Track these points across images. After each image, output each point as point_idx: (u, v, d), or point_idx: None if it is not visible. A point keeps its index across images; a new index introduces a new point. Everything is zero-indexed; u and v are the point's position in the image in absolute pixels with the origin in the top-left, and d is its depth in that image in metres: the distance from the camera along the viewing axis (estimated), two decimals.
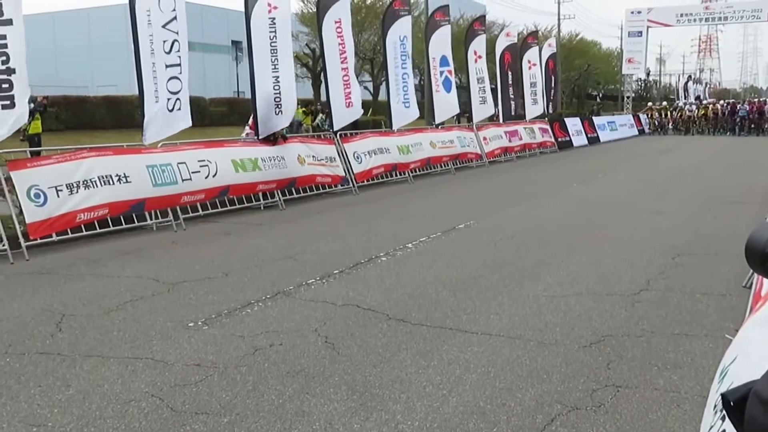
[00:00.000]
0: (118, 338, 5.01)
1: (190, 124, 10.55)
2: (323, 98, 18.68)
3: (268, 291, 6.25)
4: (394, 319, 5.43)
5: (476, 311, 5.60)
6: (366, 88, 43.02)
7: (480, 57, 20.19)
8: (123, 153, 9.42)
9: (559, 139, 25.47)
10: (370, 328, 5.21)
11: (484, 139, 19.68)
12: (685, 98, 48.33)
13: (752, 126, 36.29)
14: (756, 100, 48.52)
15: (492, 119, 22.10)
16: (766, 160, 21.03)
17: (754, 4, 41.86)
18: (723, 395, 1.00)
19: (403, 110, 16.15)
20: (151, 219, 9.58)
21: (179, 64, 10.13)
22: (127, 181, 8.93)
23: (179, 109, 10.23)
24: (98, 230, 8.85)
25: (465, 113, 23.54)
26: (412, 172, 15.71)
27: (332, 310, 5.66)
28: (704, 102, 42.77)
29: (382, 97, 36.92)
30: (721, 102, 43.51)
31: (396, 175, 15.30)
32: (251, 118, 12.11)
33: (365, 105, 22.12)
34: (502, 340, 4.90)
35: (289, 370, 4.39)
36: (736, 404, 0.99)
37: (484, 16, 25.50)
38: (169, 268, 7.28)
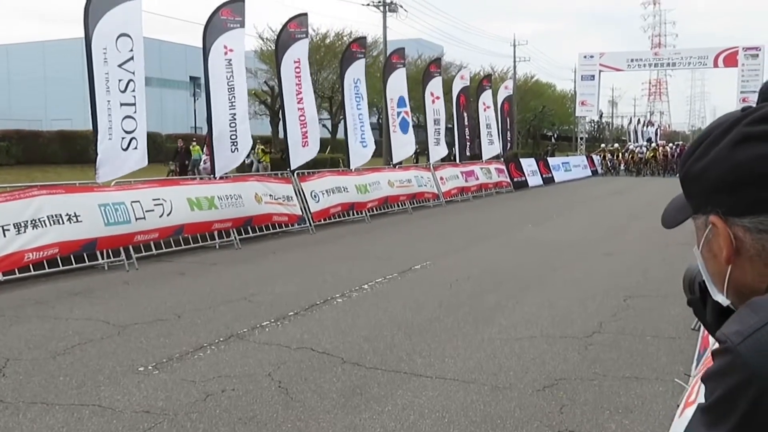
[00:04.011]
0: (64, 384, 4.87)
1: (146, 163, 10.46)
2: (281, 136, 18.74)
3: (221, 334, 6.16)
4: (349, 362, 5.39)
5: (431, 355, 5.60)
6: (324, 126, 43.24)
7: (437, 98, 20.50)
8: (75, 191, 9.26)
9: (515, 179, 25.84)
10: (325, 372, 5.16)
11: (441, 179, 19.88)
12: (636, 140, 49.61)
13: None
14: None
15: (451, 158, 22.37)
16: None
17: (701, 51, 43.50)
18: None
19: (361, 150, 16.26)
20: (102, 258, 9.40)
21: (134, 104, 10.06)
22: (77, 221, 8.76)
23: (135, 148, 10.13)
24: (47, 270, 8.64)
25: (424, 152, 23.82)
26: (369, 211, 15.75)
27: (286, 354, 5.60)
28: (653, 144, 43.95)
29: (340, 135, 37.19)
30: (671, 144, 44.82)
31: (353, 214, 15.32)
32: (205, 146, 12.09)
33: (324, 143, 22.23)
34: (457, 385, 4.90)
35: (241, 416, 4.32)
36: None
37: (440, 59, 25.94)
38: (120, 309, 7.13)
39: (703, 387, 0.90)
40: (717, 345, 0.87)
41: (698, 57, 43.35)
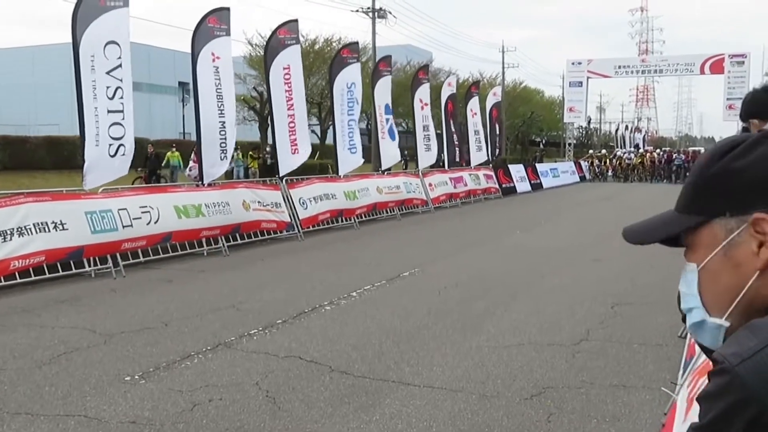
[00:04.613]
0: (49, 394, 4.84)
1: (127, 171, 10.43)
2: (270, 141, 18.74)
3: (208, 342, 6.14)
4: (337, 371, 5.38)
5: (419, 363, 5.60)
6: (313, 131, 43.22)
7: (426, 105, 20.54)
8: (61, 198, 9.21)
9: (504, 186, 25.92)
10: (312, 381, 5.15)
11: (430, 185, 19.91)
12: (623, 146, 49.88)
13: (687, 174, 37.52)
14: (690, 150, 50.48)
15: (439, 165, 22.41)
16: None
17: (688, 58, 43.80)
18: None
19: (350, 156, 16.26)
20: (89, 266, 9.35)
21: (122, 111, 10.02)
22: (64, 229, 8.70)
23: (123, 155, 10.09)
24: (33, 278, 8.59)
25: (413, 158, 23.85)
26: (358, 218, 15.74)
27: (274, 363, 5.58)
28: (640, 150, 44.20)
29: (329, 141, 37.21)
30: (658, 150, 45.09)
31: (342, 221, 15.31)
32: (193, 152, 12.05)
33: (313, 149, 22.22)
34: (445, 393, 4.90)
35: (228, 426, 4.30)
36: None
37: (428, 66, 26.02)
38: (107, 317, 7.09)
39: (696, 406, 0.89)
40: (713, 365, 0.87)
41: (685, 64, 43.65)
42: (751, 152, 0.92)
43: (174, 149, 25.78)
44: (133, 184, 16.38)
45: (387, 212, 17.36)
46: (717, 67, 41.41)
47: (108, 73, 9.77)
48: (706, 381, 0.88)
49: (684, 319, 1.39)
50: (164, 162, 24.97)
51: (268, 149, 26.68)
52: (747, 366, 0.81)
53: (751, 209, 0.91)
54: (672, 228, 1.01)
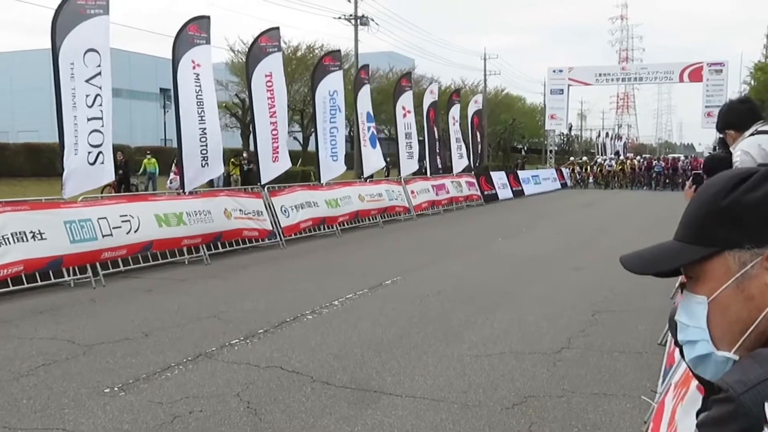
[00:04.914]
0: (27, 407, 4.78)
1: (113, 178, 10.34)
2: (251, 148, 18.66)
3: (189, 353, 6.10)
4: (319, 381, 5.36)
5: (401, 372, 5.59)
6: (296, 138, 43.18)
7: (409, 112, 20.60)
8: (40, 208, 9.12)
9: (485, 193, 26.02)
10: (294, 391, 5.13)
11: (412, 192, 19.94)
12: (604, 153, 50.27)
13: (667, 181, 37.98)
14: (670, 157, 51.01)
15: (421, 172, 22.45)
16: (679, 215, 21.87)
17: (667, 66, 44.28)
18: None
19: (331, 164, 16.26)
20: (68, 275, 9.26)
21: (101, 118, 9.96)
22: (42, 238, 8.62)
23: (102, 162, 10.02)
24: (11, 288, 8.48)
25: (395, 165, 23.88)
26: (340, 226, 15.72)
27: (255, 373, 5.56)
28: (621, 157, 44.56)
29: (311, 147, 37.22)
30: (638, 158, 45.50)
31: (324, 229, 15.29)
32: (174, 164, 11.98)
33: (295, 156, 22.16)
34: (427, 403, 4.90)
35: None
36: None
37: (411, 73, 26.09)
38: (86, 328, 7.02)
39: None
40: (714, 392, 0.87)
41: (664, 72, 44.10)
42: (764, 185, 0.93)
43: (149, 156, 25.45)
44: (102, 193, 16.22)
45: (369, 220, 17.36)
46: (696, 75, 41.90)
47: (88, 81, 9.70)
48: (700, 398, 0.87)
49: (676, 343, 1.39)
50: (141, 170, 24.72)
51: (245, 155, 26.50)
52: (751, 395, 0.81)
53: (766, 242, 0.91)
54: (682, 259, 1.00)
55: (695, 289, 0.99)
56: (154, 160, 25.11)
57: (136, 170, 24.46)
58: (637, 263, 1.05)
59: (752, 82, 51.43)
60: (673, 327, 1.44)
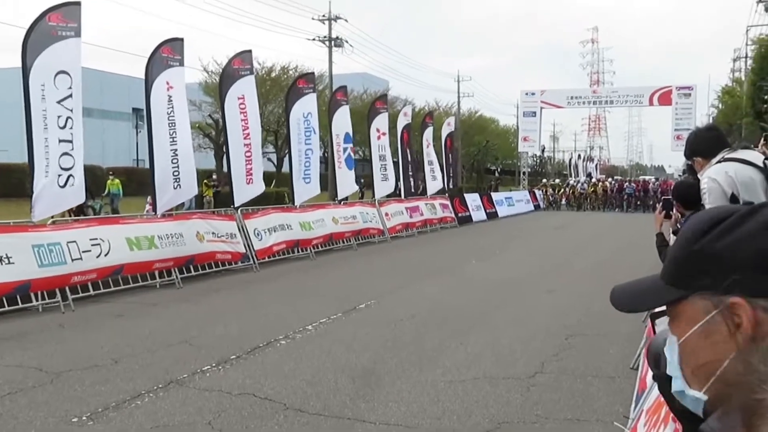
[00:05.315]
0: None
1: (83, 199, 10.22)
2: (225, 169, 18.57)
3: (160, 380, 6.00)
4: (292, 408, 5.31)
5: (375, 399, 5.56)
6: (270, 159, 43.08)
7: (383, 134, 20.67)
8: (8, 231, 8.97)
9: (459, 215, 26.11)
10: (266, 419, 5.07)
11: (386, 214, 19.95)
12: (576, 175, 50.84)
13: (638, 203, 38.48)
14: (641, 179, 51.80)
15: (395, 194, 22.50)
16: (651, 238, 22.15)
17: (637, 90, 45.09)
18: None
19: (305, 186, 16.23)
20: (37, 300, 9.09)
21: (71, 140, 9.86)
22: (10, 262, 8.47)
23: (72, 185, 9.90)
24: None
25: (369, 186, 23.91)
26: (314, 248, 15.67)
27: (227, 401, 5.48)
28: (593, 179, 45.10)
29: (285, 169, 37.18)
30: (610, 179, 46.08)
31: (298, 251, 15.22)
32: (149, 197, 11.89)
33: (268, 177, 22.05)
34: (401, 430, 4.87)
35: None
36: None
37: (386, 95, 26.24)
38: (55, 355, 6.89)
39: None
40: None
41: (635, 95, 44.87)
42: (732, 233, 0.93)
43: (112, 177, 25.06)
44: (62, 216, 15.89)
45: (343, 242, 17.32)
46: (665, 98, 42.67)
47: (59, 102, 9.62)
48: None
49: (654, 378, 1.38)
50: (105, 191, 24.37)
51: (214, 176, 26.33)
52: None
53: (730, 291, 0.91)
54: (659, 300, 1.01)
55: (672, 329, 1.01)
56: (117, 181, 24.71)
57: (101, 192, 24.06)
58: (622, 300, 1.06)
59: (720, 106, 52.50)
60: (651, 359, 1.45)
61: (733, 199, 3.86)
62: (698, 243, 0.96)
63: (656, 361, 1.40)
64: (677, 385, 1.00)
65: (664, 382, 1.17)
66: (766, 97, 25.30)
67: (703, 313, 0.94)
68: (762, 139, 8.99)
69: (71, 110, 9.78)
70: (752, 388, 0.83)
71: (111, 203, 23.95)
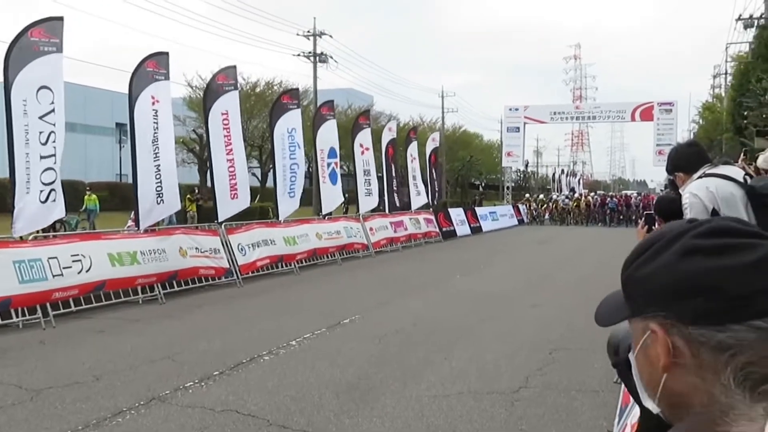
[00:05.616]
0: None
1: (64, 214, 10.15)
2: (209, 184, 18.50)
3: (142, 397, 5.94)
4: (275, 425, 5.27)
5: (359, 414, 5.53)
6: (254, 174, 42.98)
7: (367, 149, 20.71)
8: None
9: (444, 229, 26.15)
10: None
11: (371, 229, 19.95)
12: (560, 190, 51.15)
13: (621, 217, 38.76)
14: (623, 193, 52.19)
15: (379, 209, 22.51)
16: None
17: (619, 105, 45.58)
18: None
19: (289, 200, 16.21)
20: (17, 316, 8.98)
21: (54, 155, 9.80)
22: None
23: (54, 200, 9.82)
24: None
25: (353, 201, 23.91)
26: (298, 263, 15.62)
27: (210, 417, 5.43)
28: (575, 195, 45.39)
29: (270, 183, 37.09)
30: (592, 194, 46.41)
31: (282, 266, 15.16)
32: (132, 212, 11.82)
33: (253, 191, 21.98)
34: None
35: None
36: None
37: (369, 111, 26.32)
38: (35, 371, 6.81)
39: None
40: None
41: (617, 111, 45.32)
42: (652, 262, 0.97)
43: (89, 192, 24.74)
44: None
45: (328, 257, 17.29)
46: (647, 114, 43.13)
47: (41, 117, 9.56)
48: None
49: (614, 365, 1.42)
50: (83, 207, 24.10)
51: (196, 191, 26.17)
52: None
53: (652, 318, 0.95)
54: (616, 316, 1.04)
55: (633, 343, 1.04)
56: (94, 196, 24.40)
57: (78, 207, 23.72)
58: (599, 315, 1.10)
59: (701, 121, 53.15)
60: (610, 349, 1.50)
61: (714, 214, 3.90)
62: (626, 270, 1.02)
63: (615, 349, 1.45)
64: (643, 396, 1.03)
65: (623, 368, 1.21)
66: (745, 113, 25.63)
67: (641, 334, 0.98)
68: (742, 154, 9.11)
69: (54, 125, 9.72)
70: (714, 419, 0.84)
71: (88, 219, 23.62)
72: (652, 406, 1.00)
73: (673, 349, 0.93)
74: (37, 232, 13.11)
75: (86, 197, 24.19)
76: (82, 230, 18.81)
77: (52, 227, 19.98)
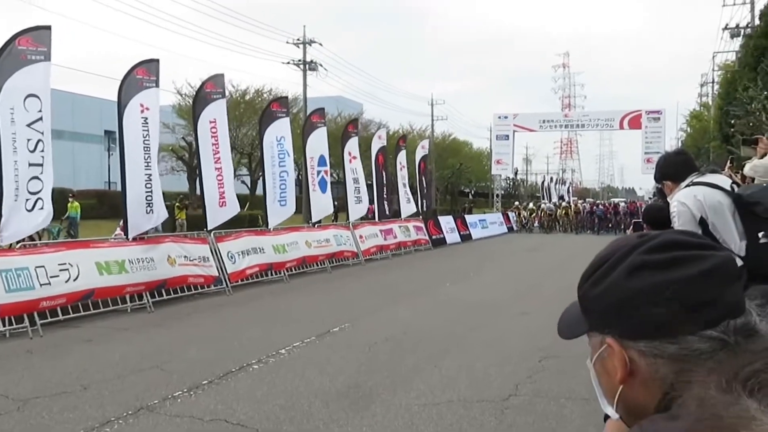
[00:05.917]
0: None
1: (48, 223, 10.09)
2: (198, 192, 18.43)
3: (130, 406, 5.90)
4: None
5: (348, 423, 5.51)
6: (243, 182, 42.94)
7: (355, 158, 20.72)
8: None
9: (434, 237, 26.18)
10: None
11: (360, 237, 19.94)
12: (549, 198, 51.33)
13: (610, 225, 38.93)
14: (612, 201, 52.49)
15: (368, 217, 22.51)
16: None
17: (608, 114, 45.81)
18: None
19: (279, 208, 16.18)
20: (4, 326, 8.91)
21: (42, 164, 9.75)
22: None
23: (41, 208, 9.76)
24: None
25: (342, 209, 23.89)
26: (288, 271, 15.59)
27: (199, 426, 5.41)
28: (564, 203, 45.56)
29: (259, 191, 36.99)
30: (581, 202, 46.62)
31: (272, 274, 15.12)
32: (121, 221, 11.76)
33: (243, 199, 21.91)
34: None
35: None
36: None
37: (357, 119, 26.36)
38: (22, 381, 6.75)
39: None
40: None
41: (605, 119, 45.57)
42: (603, 280, 0.99)
43: (72, 199, 24.47)
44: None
45: (317, 265, 17.26)
46: (635, 122, 43.38)
47: (29, 125, 9.51)
48: None
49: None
50: (65, 214, 23.82)
51: (181, 197, 26.07)
52: None
53: (607, 333, 0.98)
54: (576, 330, 1.07)
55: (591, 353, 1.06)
56: (77, 204, 24.09)
57: (61, 215, 23.32)
58: (560, 328, 1.13)
59: (688, 129, 53.51)
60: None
61: (702, 222, 3.92)
62: (581, 288, 1.05)
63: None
64: (603, 403, 1.06)
65: None
66: (732, 121, 25.82)
67: (599, 346, 1.01)
68: (728, 162, 9.16)
69: (42, 133, 9.68)
70: (732, 426, 0.86)
71: (70, 227, 23.22)
72: (611, 412, 1.03)
73: (629, 362, 0.95)
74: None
75: (69, 204, 23.85)
76: (64, 238, 18.62)
77: (34, 236, 19.76)
